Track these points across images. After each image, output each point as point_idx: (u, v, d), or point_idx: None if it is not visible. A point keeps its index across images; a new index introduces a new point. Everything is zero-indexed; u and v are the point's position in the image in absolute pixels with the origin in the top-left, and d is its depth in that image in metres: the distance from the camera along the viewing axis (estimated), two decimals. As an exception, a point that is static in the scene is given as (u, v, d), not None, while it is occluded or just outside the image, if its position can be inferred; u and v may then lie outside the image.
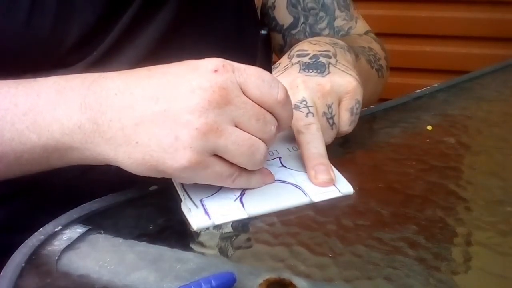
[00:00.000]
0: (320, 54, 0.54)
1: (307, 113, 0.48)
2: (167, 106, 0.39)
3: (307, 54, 0.54)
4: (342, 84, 0.51)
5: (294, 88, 0.50)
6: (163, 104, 0.40)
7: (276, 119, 0.42)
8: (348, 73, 0.52)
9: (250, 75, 0.41)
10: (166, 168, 0.40)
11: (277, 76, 0.53)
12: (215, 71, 0.40)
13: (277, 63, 0.57)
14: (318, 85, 0.50)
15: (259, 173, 0.45)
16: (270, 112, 0.42)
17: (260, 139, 0.42)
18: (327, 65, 0.52)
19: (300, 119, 0.48)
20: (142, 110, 0.40)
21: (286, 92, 0.42)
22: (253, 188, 0.45)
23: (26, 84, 0.44)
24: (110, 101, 0.41)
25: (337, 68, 0.53)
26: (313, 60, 0.53)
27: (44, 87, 0.44)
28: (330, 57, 0.53)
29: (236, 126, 0.40)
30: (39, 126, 0.42)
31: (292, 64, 0.53)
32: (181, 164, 0.39)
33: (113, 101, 0.41)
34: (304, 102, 0.49)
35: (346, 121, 0.52)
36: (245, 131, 0.41)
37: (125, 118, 0.40)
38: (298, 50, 0.55)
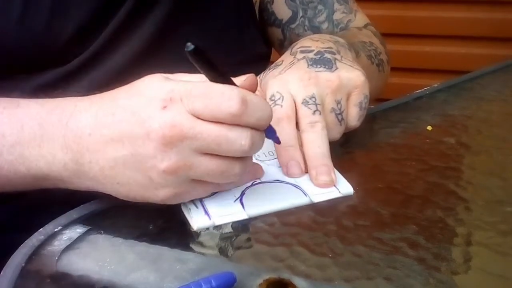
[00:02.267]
0: (324, 50, 0.53)
1: (314, 111, 0.48)
2: (132, 150, 0.39)
3: (311, 51, 0.54)
4: (351, 79, 0.51)
5: (305, 80, 0.50)
6: (128, 147, 0.40)
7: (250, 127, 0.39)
8: (355, 68, 0.52)
9: (196, 98, 0.38)
10: (151, 200, 0.42)
11: (284, 72, 0.52)
12: (164, 107, 0.38)
13: (278, 60, 0.56)
14: (327, 81, 0.50)
15: (245, 173, 0.43)
16: (238, 124, 0.39)
17: (234, 156, 0.40)
18: (333, 61, 0.52)
19: (306, 117, 0.48)
20: (113, 153, 0.40)
21: (243, 98, 0.38)
22: (253, 189, 0.45)
23: (11, 111, 0.45)
24: (85, 141, 0.41)
25: (343, 63, 0.52)
26: (319, 56, 0.53)
27: (27, 117, 0.44)
28: (334, 53, 0.53)
29: (205, 153, 0.39)
30: (27, 159, 0.43)
31: (298, 60, 0.53)
32: (164, 196, 0.41)
33: (88, 142, 0.41)
34: (313, 99, 0.49)
35: (355, 116, 0.52)
36: (214, 157, 0.39)
37: (101, 160, 0.41)
38: (301, 47, 0.55)
